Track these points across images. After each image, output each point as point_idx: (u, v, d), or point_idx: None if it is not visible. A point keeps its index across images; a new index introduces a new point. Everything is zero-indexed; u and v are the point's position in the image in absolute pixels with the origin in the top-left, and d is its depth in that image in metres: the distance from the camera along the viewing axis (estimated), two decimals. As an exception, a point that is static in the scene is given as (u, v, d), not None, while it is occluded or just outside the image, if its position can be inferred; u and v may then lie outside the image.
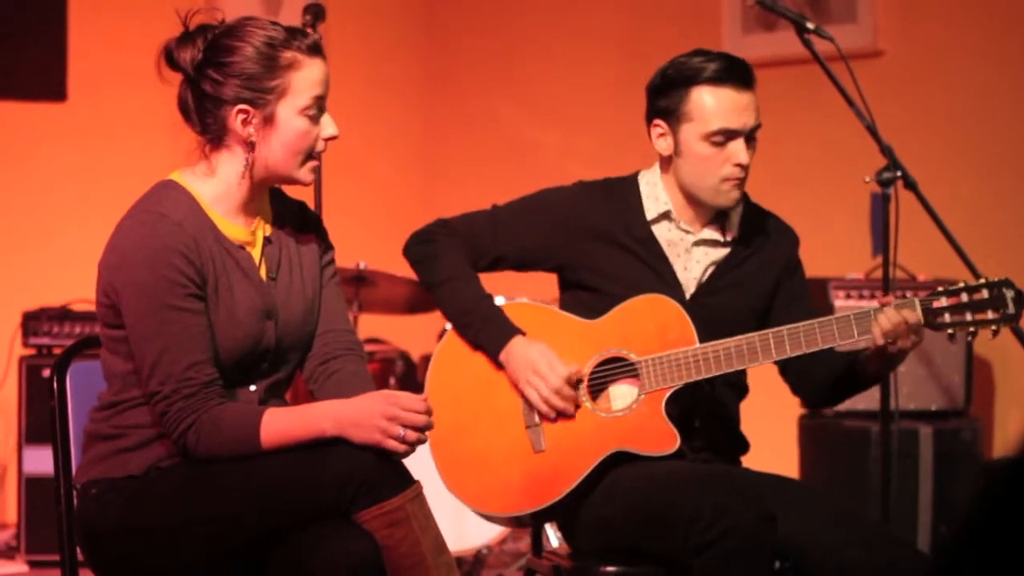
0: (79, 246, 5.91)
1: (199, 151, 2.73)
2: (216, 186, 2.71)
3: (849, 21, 5.46)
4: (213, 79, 2.65)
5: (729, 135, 3.03)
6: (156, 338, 2.58)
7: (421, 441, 2.59)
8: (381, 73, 6.82)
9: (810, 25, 3.56)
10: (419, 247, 3.20)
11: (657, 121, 3.10)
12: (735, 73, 3.04)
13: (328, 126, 2.71)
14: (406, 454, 2.57)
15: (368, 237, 6.24)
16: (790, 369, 3.19)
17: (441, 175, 6.91)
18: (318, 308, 2.82)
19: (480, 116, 6.74)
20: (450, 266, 3.15)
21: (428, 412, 2.59)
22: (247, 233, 2.74)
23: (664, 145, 3.10)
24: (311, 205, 3.68)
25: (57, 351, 5.08)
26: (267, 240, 2.77)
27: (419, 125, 6.94)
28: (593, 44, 6.34)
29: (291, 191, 2.90)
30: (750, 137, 3.06)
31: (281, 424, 2.58)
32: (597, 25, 6.32)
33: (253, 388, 2.71)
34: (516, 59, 6.61)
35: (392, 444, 2.54)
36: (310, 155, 2.71)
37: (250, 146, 2.67)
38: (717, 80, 3.02)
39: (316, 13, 3.91)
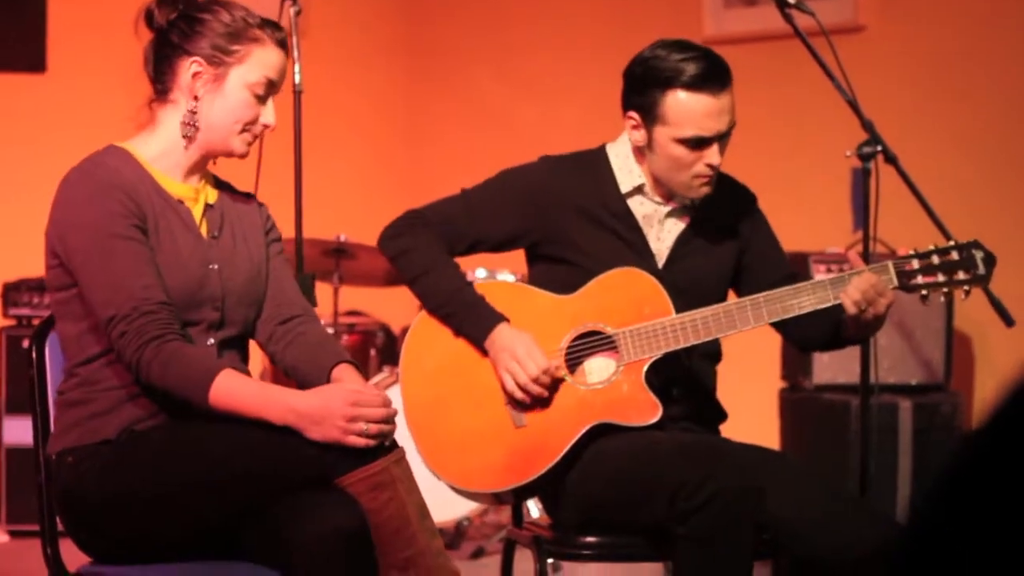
0: (59, 217, 5.90)
1: (146, 109, 2.78)
2: (158, 143, 2.76)
3: (831, -5, 5.45)
4: (181, 30, 2.74)
5: (703, 141, 3.03)
6: (106, 268, 2.60)
7: (383, 433, 2.57)
8: (362, 45, 6.80)
9: (791, 0, 3.55)
10: (393, 242, 3.17)
11: (631, 113, 3.09)
12: (712, 78, 3.00)
13: (268, 113, 2.76)
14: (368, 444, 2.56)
15: (348, 210, 6.24)
16: (782, 329, 3.21)
17: (422, 148, 6.89)
18: (265, 276, 2.84)
19: (461, 88, 6.72)
20: (427, 257, 3.13)
21: (387, 404, 2.58)
22: (189, 190, 2.78)
23: (637, 136, 3.10)
24: (291, 177, 3.69)
25: (36, 322, 5.07)
26: (208, 206, 2.80)
27: (400, 98, 6.92)
28: (575, 16, 6.33)
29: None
30: (724, 136, 3.06)
31: (236, 389, 2.57)
32: (579, -2, 6.31)
33: (211, 342, 2.72)
34: (498, 31, 6.59)
35: (353, 440, 2.53)
36: (247, 129, 2.76)
37: (194, 100, 2.73)
38: (694, 86, 2.99)
39: (297, -16, 3.87)
